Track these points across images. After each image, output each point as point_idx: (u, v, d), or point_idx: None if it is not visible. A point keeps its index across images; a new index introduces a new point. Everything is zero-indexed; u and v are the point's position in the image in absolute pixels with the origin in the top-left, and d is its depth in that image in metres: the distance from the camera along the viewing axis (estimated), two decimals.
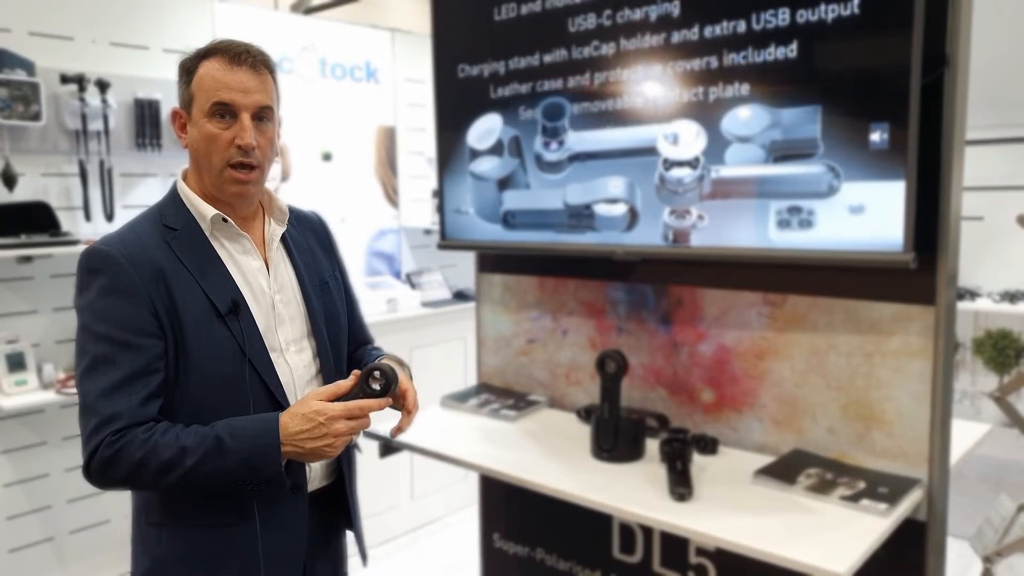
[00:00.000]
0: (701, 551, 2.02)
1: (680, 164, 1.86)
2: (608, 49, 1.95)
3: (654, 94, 1.89)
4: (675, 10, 1.83)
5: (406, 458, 3.53)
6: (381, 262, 3.93)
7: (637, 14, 1.89)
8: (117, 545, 2.91)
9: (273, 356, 1.39)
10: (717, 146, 1.80)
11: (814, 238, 1.69)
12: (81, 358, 1.28)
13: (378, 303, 3.53)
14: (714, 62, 1.78)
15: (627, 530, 2.16)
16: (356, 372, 1.38)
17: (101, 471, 1.25)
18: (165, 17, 3.03)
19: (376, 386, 1.35)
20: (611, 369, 1.90)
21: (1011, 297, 3.88)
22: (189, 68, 1.36)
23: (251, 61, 1.35)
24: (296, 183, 3.52)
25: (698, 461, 1.86)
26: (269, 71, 1.39)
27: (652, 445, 1.91)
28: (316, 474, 1.47)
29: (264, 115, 1.37)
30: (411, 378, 1.51)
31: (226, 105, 1.33)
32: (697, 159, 1.83)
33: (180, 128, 1.39)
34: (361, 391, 1.35)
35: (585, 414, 2.17)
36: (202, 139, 1.34)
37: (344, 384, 1.36)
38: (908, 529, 1.63)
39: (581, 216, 2.05)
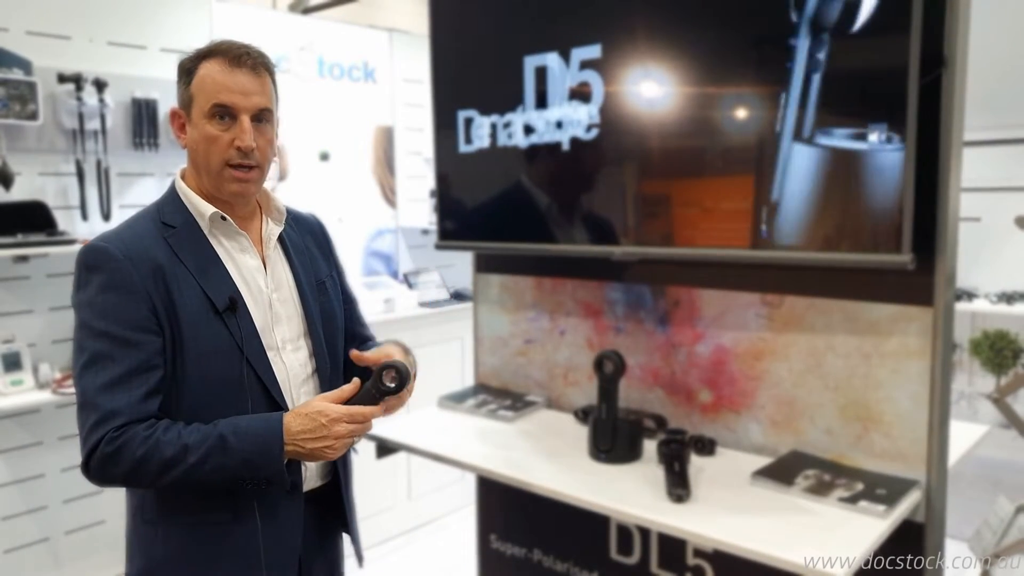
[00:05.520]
0: (699, 553, 2.02)
1: None
2: (608, 56, 1.94)
3: (651, 98, 1.89)
4: (674, 19, 1.83)
5: (403, 458, 3.53)
6: (378, 262, 3.93)
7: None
8: (113, 546, 2.90)
9: (270, 354, 1.39)
10: None
11: None
12: (79, 355, 1.28)
13: (375, 303, 3.53)
14: (712, 63, 1.78)
15: (624, 531, 2.16)
16: (357, 380, 1.38)
17: (101, 468, 1.25)
18: (163, 17, 3.03)
19: (390, 384, 1.35)
20: (609, 370, 1.90)
21: (1008, 298, 3.88)
22: (189, 69, 1.35)
23: (251, 63, 1.35)
24: (294, 183, 3.52)
25: (696, 462, 1.85)
26: (268, 73, 1.39)
27: (650, 446, 1.91)
28: (312, 474, 1.46)
29: (263, 117, 1.37)
30: (415, 366, 1.51)
31: (226, 107, 1.33)
32: None
33: (179, 128, 1.39)
34: (375, 387, 1.34)
35: (583, 415, 2.17)
36: (202, 140, 1.34)
37: (347, 389, 1.36)
38: (906, 530, 1.63)
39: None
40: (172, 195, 1.41)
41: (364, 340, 1.68)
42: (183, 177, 1.42)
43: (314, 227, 1.62)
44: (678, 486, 1.66)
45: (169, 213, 1.38)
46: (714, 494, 1.68)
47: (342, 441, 1.32)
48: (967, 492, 3.10)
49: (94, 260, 1.30)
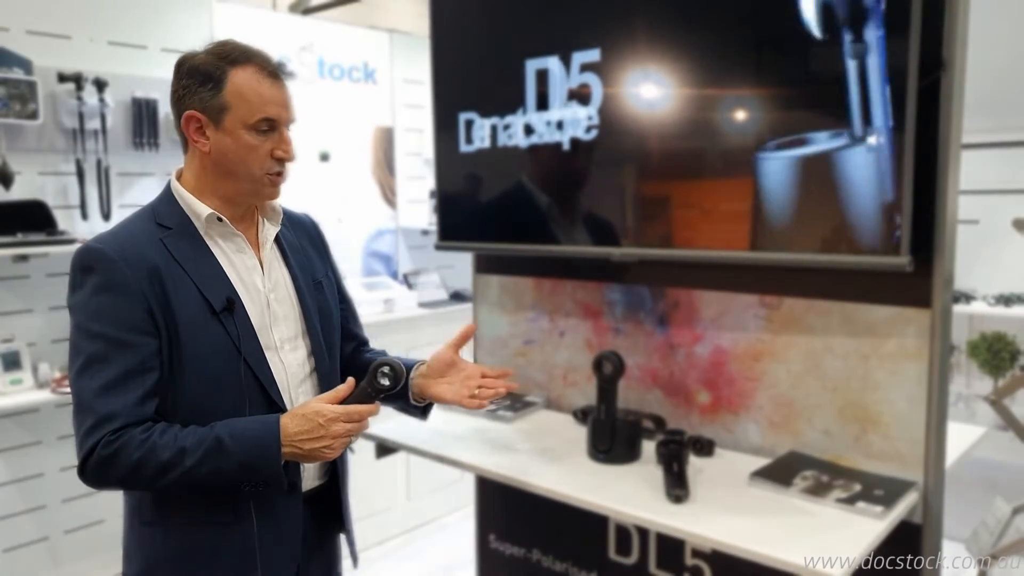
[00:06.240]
0: (697, 553, 2.02)
1: None
2: (606, 66, 1.95)
3: (649, 100, 1.89)
4: (671, 23, 1.84)
5: (402, 459, 3.53)
6: (378, 262, 3.93)
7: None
8: (111, 545, 2.90)
9: (268, 354, 1.39)
10: None
11: None
12: (75, 357, 1.28)
13: (375, 303, 3.53)
14: (710, 67, 1.79)
15: (623, 532, 2.16)
16: (351, 379, 1.38)
17: (97, 471, 1.25)
18: (163, 17, 3.03)
19: (385, 381, 1.35)
20: (608, 370, 1.90)
21: (1006, 300, 3.89)
22: (217, 76, 1.33)
23: (284, 74, 1.39)
24: (293, 183, 3.50)
25: (694, 463, 1.86)
26: None
27: (648, 447, 1.91)
28: (309, 474, 1.47)
29: (291, 127, 1.41)
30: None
31: (273, 121, 1.36)
32: None
33: (196, 132, 1.36)
34: (370, 385, 1.35)
35: (582, 415, 2.17)
36: (239, 149, 1.35)
37: (343, 389, 1.36)
38: (904, 531, 1.64)
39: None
40: (167, 196, 1.41)
41: (362, 341, 1.69)
42: (179, 178, 1.42)
43: (309, 227, 1.62)
44: (677, 486, 1.66)
45: (164, 214, 1.38)
46: (712, 495, 1.69)
47: (340, 441, 1.32)
48: (964, 494, 3.11)
49: (89, 261, 1.29)
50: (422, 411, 1.64)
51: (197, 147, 1.37)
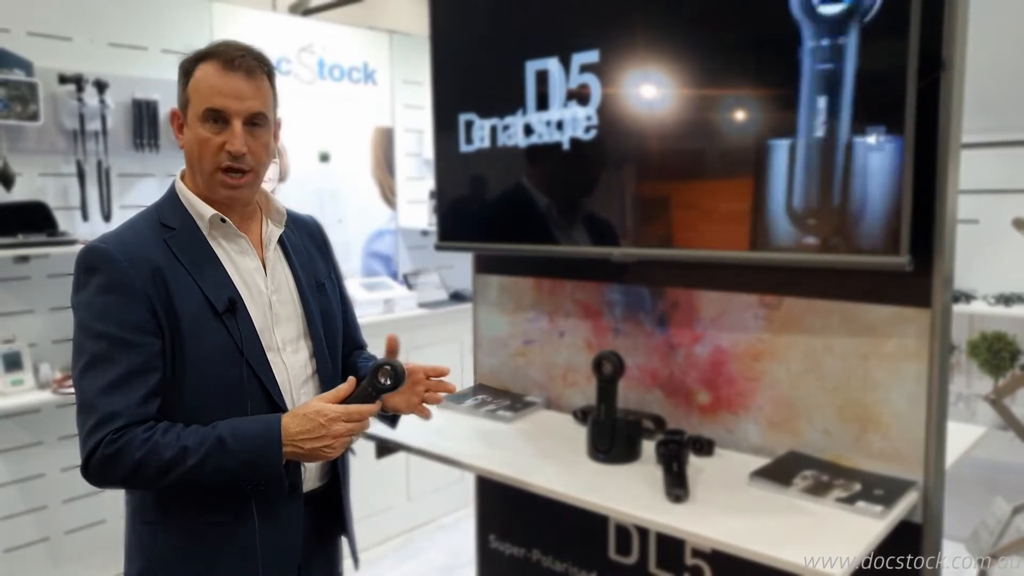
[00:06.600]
0: (697, 552, 2.02)
1: None
2: (606, 71, 1.95)
3: (648, 100, 1.89)
4: (671, 24, 1.84)
5: (402, 459, 3.53)
6: (378, 263, 3.93)
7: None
8: (113, 546, 2.90)
9: (270, 355, 1.40)
10: None
11: None
12: (78, 356, 1.29)
13: (375, 304, 3.54)
14: (707, 68, 1.79)
15: (623, 531, 2.17)
16: (352, 379, 1.39)
17: (100, 470, 1.25)
18: (163, 18, 3.04)
19: (386, 381, 1.36)
20: (608, 371, 1.91)
21: (1006, 300, 3.89)
22: (187, 70, 1.36)
23: (246, 66, 1.35)
24: (293, 184, 3.52)
25: (694, 463, 1.86)
26: (266, 75, 1.39)
27: (648, 447, 1.91)
28: (311, 475, 1.47)
29: (257, 121, 1.37)
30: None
31: (218, 111, 1.33)
32: None
33: (178, 129, 1.40)
34: (371, 385, 1.35)
35: (582, 415, 2.17)
36: (195, 142, 1.35)
37: (344, 388, 1.36)
38: (904, 531, 1.64)
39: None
40: (171, 196, 1.41)
41: (358, 346, 1.70)
42: (183, 178, 1.43)
43: (312, 229, 1.63)
44: (676, 486, 1.66)
45: (168, 215, 1.38)
46: (712, 494, 1.69)
47: (340, 440, 1.33)
48: (964, 493, 3.11)
49: (93, 261, 1.30)
50: (390, 420, 1.64)
51: (178, 143, 1.40)
